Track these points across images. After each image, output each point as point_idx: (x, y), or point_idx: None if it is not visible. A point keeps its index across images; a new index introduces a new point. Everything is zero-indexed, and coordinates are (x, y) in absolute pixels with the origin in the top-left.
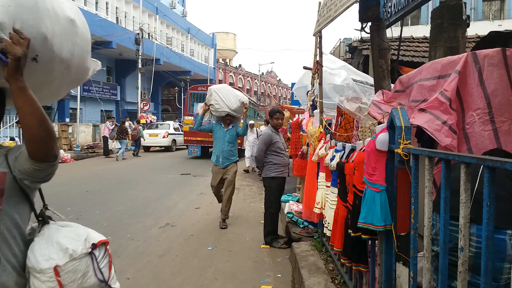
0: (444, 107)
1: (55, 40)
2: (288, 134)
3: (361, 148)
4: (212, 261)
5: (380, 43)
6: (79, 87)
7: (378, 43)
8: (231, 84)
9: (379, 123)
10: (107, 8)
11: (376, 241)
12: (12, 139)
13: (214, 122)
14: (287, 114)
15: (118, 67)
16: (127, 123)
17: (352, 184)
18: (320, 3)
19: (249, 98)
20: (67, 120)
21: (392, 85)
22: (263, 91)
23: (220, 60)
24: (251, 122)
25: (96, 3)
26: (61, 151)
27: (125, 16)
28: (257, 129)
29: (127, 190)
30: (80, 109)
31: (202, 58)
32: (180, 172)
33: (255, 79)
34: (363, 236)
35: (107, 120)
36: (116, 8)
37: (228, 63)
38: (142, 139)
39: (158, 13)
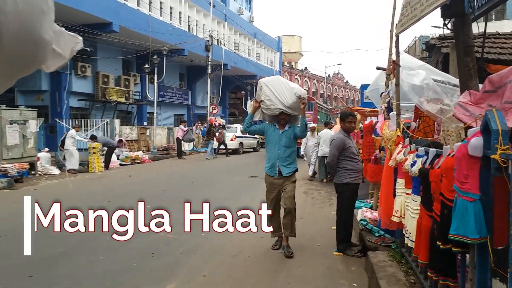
0: None
1: None
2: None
3: (450, 154)
4: (284, 264)
5: (466, 40)
6: (155, 92)
7: (463, 40)
8: None
9: (469, 126)
10: (180, 17)
11: (467, 254)
12: (93, 137)
13: (266, 122)
14: (358, 117)
15: (190, 73)
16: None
17: (439, 192)
18: (395, 0)
19: (320, 104)
20: (145, 123)
21: (480, 85)
22: (329, 93)
23: (286, 63)
24: (313, 125)
25: (170, 13)
26: (140, 152)
27: (196, 24)
28: (318, 133)
29: (199, 190)
30: (156, 113)
31: (268, 62)
32: (248, 175)
33: (321, 82)
34: (453, 248)
35: (181, 123)
36: (188, 17)
37: (293, 66)
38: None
39: (226, 19)
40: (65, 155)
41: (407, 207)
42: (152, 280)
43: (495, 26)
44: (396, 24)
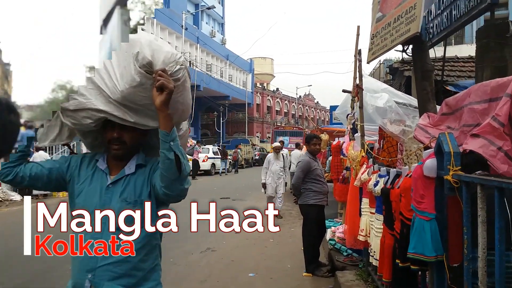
0: (498, 133)
1: None
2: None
3: (407, 174)
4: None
5: (423, 65)
6: None
7: (421, 65)
8: (268, 108)
9: (427, 147)
10: None
11: (427, 272)
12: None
13: (80, 154)
14: (325, 137)
15: None
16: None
17: (399, 212)
18: (358, 26)
19: (308, 133)
20: None
21: (438, 107)
22: (300, 114)
23: (258, 84)
24: (276, 144)
25: None
26: None
27: None
28: (284, 154)
29: None
30: None
31: (240, 83)
32: (220, 196)
33: (293, 103)
34: (412, 266)
35: (196, 144)
36: (161, 38)
37: (265, 87)
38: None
39: (199, 42)
40: None
41: (371, 226)
42: None
43: (454, 50)
44: (368, 52)
